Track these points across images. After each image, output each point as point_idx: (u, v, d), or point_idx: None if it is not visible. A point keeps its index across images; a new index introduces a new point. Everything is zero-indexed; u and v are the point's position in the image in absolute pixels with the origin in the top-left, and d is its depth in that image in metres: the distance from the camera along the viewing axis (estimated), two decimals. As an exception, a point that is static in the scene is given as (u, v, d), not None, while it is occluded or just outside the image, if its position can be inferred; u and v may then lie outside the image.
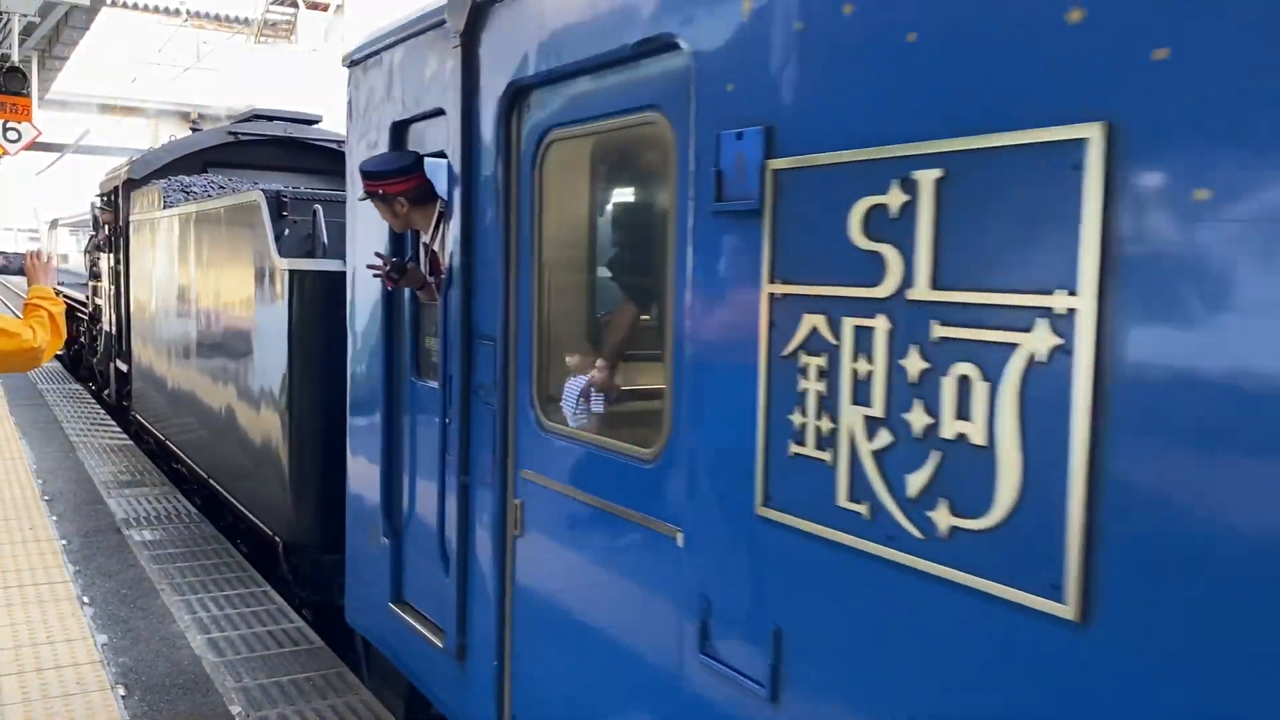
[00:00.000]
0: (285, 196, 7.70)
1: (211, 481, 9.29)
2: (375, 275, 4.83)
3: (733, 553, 2.81)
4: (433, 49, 4.58)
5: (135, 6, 31.51)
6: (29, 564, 7.76)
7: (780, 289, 2.61)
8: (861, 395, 2.38)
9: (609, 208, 4.57)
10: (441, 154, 4.62)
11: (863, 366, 2.38)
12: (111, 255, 13.80)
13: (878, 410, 2.34)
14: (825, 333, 2.48)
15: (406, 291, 4.97)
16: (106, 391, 15.52)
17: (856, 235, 2.38)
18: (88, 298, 17.53)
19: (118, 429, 13.97)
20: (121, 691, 5.74)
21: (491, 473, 4.12)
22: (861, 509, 2.39)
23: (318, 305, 7.02)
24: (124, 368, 13.32)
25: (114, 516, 9.33)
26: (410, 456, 5.04)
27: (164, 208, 10.78)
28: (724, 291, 2.83)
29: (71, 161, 35.83)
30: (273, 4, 31.92)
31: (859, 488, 2.40)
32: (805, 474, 2.54)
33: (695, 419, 2.96)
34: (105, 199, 14.16)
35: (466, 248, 4.27)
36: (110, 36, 31.17)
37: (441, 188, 4.71)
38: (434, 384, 4.70)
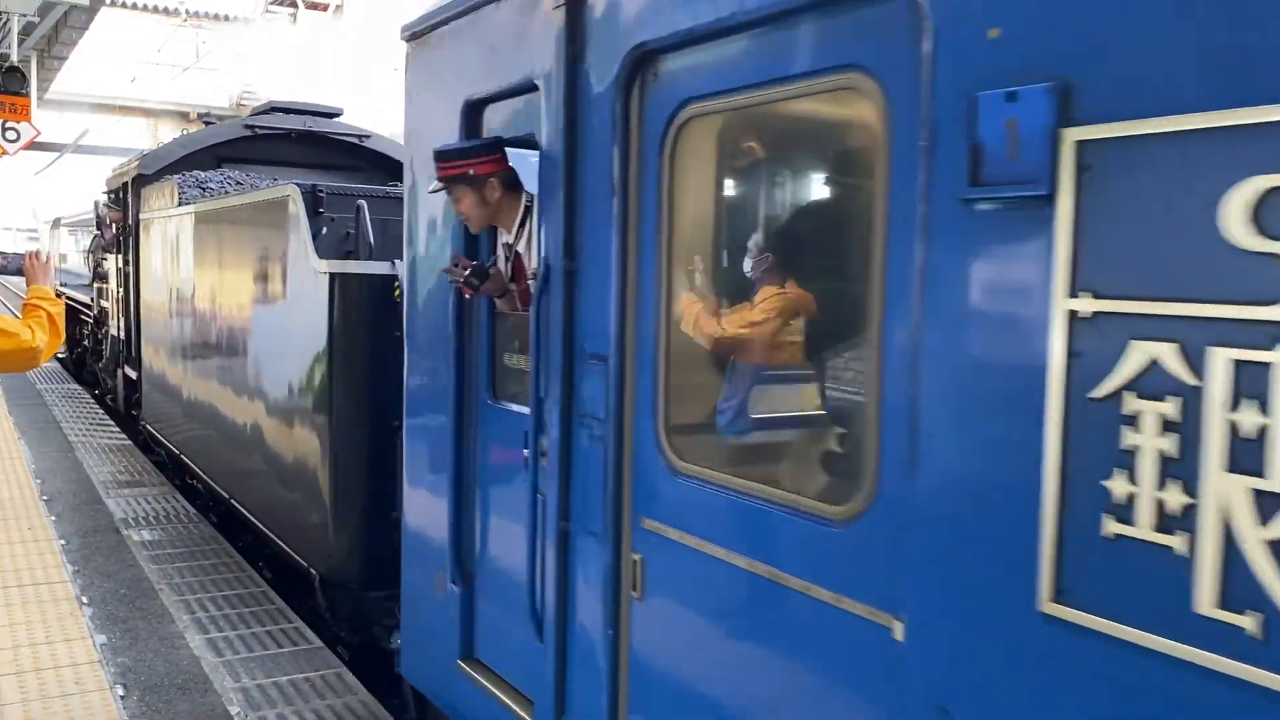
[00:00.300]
0: (321, 192, 6.89)
1: (233, 502, 8.40)
2: (452, 282, 4.17)
3: (997, 659, 2.09)
4: (523, 12, 3.87)
5: (134, 6, 31.19)
6: (28, 564, 7.65)
7: (1089, 305, 1.89)
8: (1247, 459, 1.67)
9: (770, 198, 3.84)
10: (528, 139, 3.94)
11: (1249, 419, 1.67)
12: (119, 255, 12.91)
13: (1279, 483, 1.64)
14: (1176, 368, 1.77)
15: (482, 299, 4.29)
16: (110, 395, 14.95)
17: (1237, 231, 1.68)
18: (92, 300, 16.72)
19: (116, 429, 13.68)
20: (120, 691, 5.65)
21: (602, 520, 3.41)
22: (1245, 622, 1.68)
23: (363, 312, 6.29)
24: (133, 374, 12.42)
25: (113, 516, 9.20)
26: (487, 492, 4.33)
27: (179, 204, 9.99)
28: (979, 302, 2.13)
29: (70, 161, 35.39)
30: (272, 4, 31.59)
31: (1240, 591, 1.69)
32: (1135, 564, 1.83)
33: (925, 471, 2.24)
34: (113, 196, 13.26)
35: (569, 249, 3.55)
36: (109, 36, 30.81)
37: (527, 178, 4.03)
38: (517, 408, 4.04)
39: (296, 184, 6.95)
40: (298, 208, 6.74)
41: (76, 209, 32.33)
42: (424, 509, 4.80)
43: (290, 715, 5.54)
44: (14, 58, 18.79)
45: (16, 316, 4.87)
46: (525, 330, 3.92)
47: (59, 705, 5.41)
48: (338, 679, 6.00)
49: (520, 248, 4.16)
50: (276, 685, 5.88)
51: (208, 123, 12.84)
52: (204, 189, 10.06)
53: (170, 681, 5.87)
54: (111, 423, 14.13)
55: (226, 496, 8.54)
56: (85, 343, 18.67)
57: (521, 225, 4.14)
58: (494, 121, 4.24)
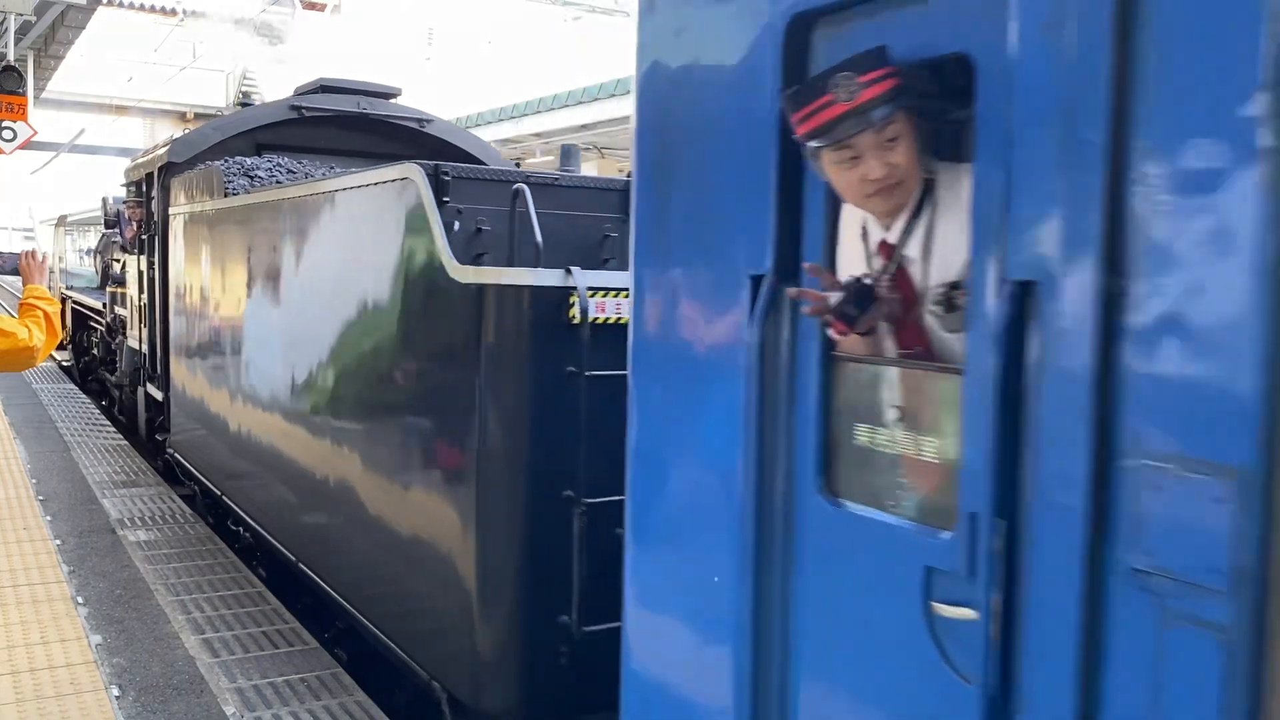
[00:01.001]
0: (445, 174, 5.17)
1: (302, 566, 6.73)
2: (813, 312, 2.64)
3: None
4: None
5: (132, 6, 31.07)
6: (23, 564, 7.68)
7: None
8: None
9: None
10: (930, 69, 2.52)
11: None
12: (141, 257, 11.27)
13: None
14: None
15: (812, 331, 2.70)
16: (118, 406, 14.45)
17: None
18: (104, 305, 15.53)
19: (113, 429, 13.63)
20: (115, 692, 5.67)
21: None
22: None
23: (526, 338, 4.64)
24: (158, 394, 10.67)
25: (108, 517, 9.23)
26: (815, 648, 2.71)
27: (224, 195, 8.43)
28: None
29: (66, 161, 35.41)
30: (270, 4, 31.48)
31: None
32: None
33: None
34: (133, 189, 11.66)
35: (1111, 256, 1.98)
36: (107, 35, 30.80)
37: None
38: (892, 519, 2.50)
39: (418, 163, 5.19)
40: (424, 194, 4.98)
41: (72, 208, 32.24)
42: (674, 649, 3.16)
43: (286, 716, 5.54)
44: (11, 57, 18.82)
45: (13, 316, 4.91)
46: (910, 386, 2.55)
47: (54, 706, 5.43)
48: (334, 679, 6.00)
49: (911, 252, 2.62)
50: (272, 686, 5.89)
51: (244, 104, 11.44)
52: (251, 178, 8.68)
53: (166, 682, 5.89)
54: (108, 423, 14.08)
55: (294, 560, 6.93)
56: (94, 351, 17.67)
57: (917, 212, 2.63)
58: (839, 49, 2.57)
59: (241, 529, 8.34)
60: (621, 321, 4.56)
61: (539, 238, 4.76)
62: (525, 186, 4.89)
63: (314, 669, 6.12)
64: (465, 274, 4.72)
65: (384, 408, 5.60)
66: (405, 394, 5.37)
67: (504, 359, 4.66)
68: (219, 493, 8.70)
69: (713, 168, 3.01)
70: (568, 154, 6.39)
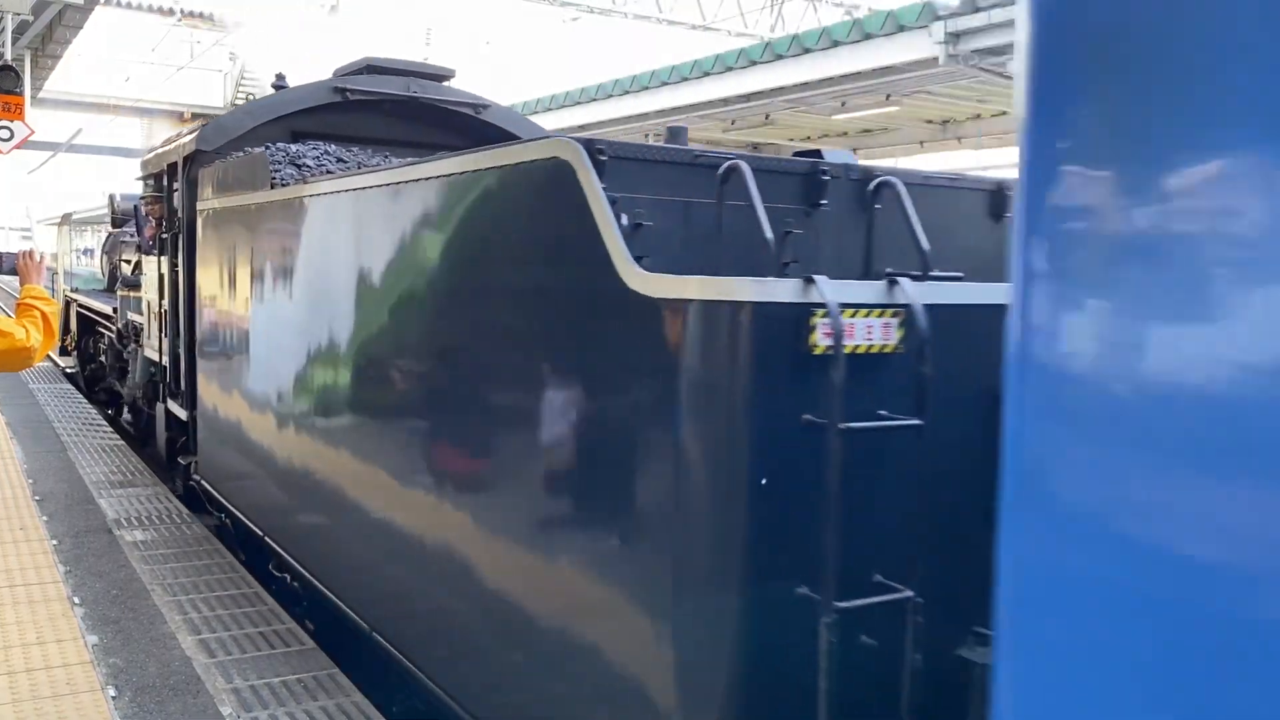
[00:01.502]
0: (602, 152, 3.87)
1: (377, 637, 5.51)
2: None
3: None
4: None
5: (130, 6, 31.09)
6: (19, 564, 7.62)
7: None
8: None
9: None
10: None
11: None
12: (162, 257, 10.15)
13: None
14: None
15: None
16: (126, 416, 14.00)
17: None
18: (114, 309, 14.46)
19: (110, 430, 13.48)
20: (112, 692, 5.63)
21: None
22: None
23: (747, 374, 3.31)
24: (182, 413, 9.50)
25: (105, 517, 9.15)
26: None
27: (271, 186, 7.34)
28: None
29: (63, 161, 35.42)
30: None
31: None
32: None
33: None
34: (152, 182, 10.46)
35: None
36: (104, 34, 30.88)
37: None
38: None
39: (573, 138, 3.92)
40: (585, 179, 3.73)
41: (69, 207, 32.24)
42: None
43: (283, 716, 5.52)
44: (8, 56, 18.83)
45: (10, 316, 4.91)
46: None
47: (50, 706, 5.41)
48: (331, 680, 5.97)
49: None
50: (269, 686, 5.87)
51: (279, 87, 10.04)
52: (299, 166, 7.61)
53: (163, 682, 5.87)
54: (104, 423, 14.00)
55: (366, 628, 5.66)
56: (102, 358, 16.82)
57: None
58: None
59: (288, 576, 7.15)
60: (877, 350, 3.43)
61: (769, 233, 3.47)
62: (745, 165, 3.63)
63: (311, 669, 6.09)
64: (651, 284, 3.44)
65: (513, 454, 4.40)
66: (550, 440, 4.11)
67: (712, 403, 3.36)
68: (260, 532, 7.50)
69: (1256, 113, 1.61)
70: (675, 135, 5.10)
